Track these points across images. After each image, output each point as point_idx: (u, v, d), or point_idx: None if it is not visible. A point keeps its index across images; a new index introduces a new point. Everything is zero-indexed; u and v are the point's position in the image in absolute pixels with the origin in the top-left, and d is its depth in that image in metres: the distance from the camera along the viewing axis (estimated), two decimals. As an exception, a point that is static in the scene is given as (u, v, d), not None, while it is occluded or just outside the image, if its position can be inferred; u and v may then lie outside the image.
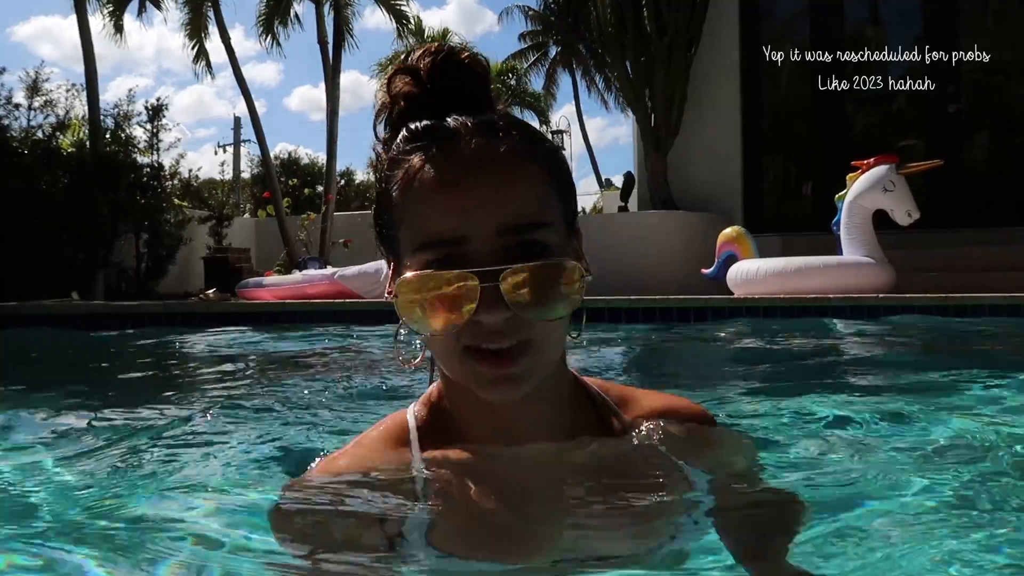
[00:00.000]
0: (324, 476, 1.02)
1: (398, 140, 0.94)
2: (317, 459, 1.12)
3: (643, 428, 1.05)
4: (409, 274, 0.89)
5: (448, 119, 0.92)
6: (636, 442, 1.03)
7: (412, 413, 1.05)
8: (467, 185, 0.87)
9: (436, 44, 0.98)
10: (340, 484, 0.99)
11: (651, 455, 1.02)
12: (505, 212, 0.87)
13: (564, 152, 0.98)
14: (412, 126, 0.93)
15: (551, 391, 0.97)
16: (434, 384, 1.06)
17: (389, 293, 0.92)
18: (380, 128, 1.00)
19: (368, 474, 1.00)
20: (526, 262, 0.86)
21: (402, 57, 0.99)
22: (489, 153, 0.89)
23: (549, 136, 0.97)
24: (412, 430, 1.02)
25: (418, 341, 0.98)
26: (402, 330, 0.95)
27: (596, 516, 0.92)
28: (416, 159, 0.90)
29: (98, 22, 16.41)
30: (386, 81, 0.98)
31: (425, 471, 0.98)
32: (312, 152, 42.38)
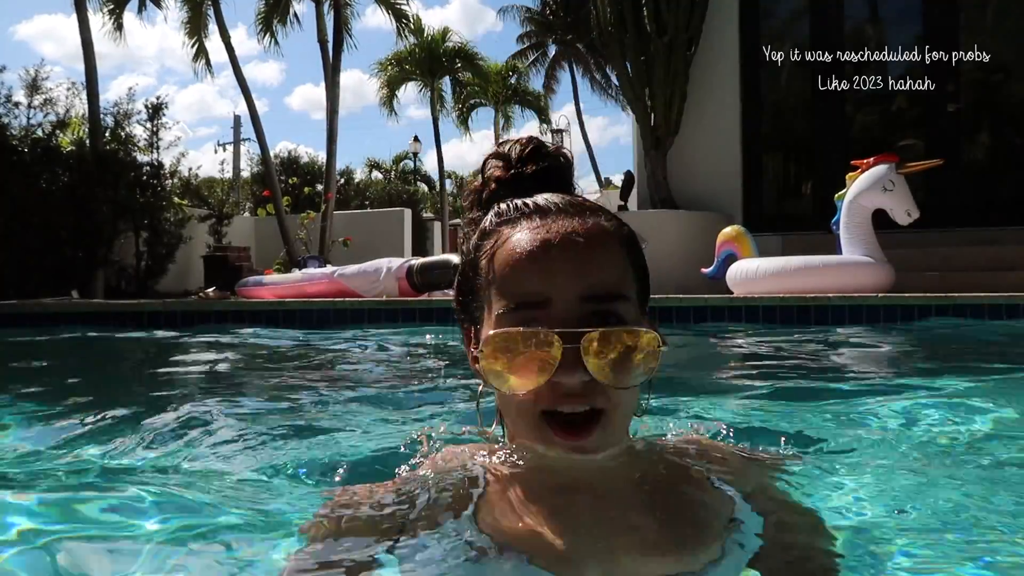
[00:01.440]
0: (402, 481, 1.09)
1: (489, 216, 1.02)
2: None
3: (692, 453, 1.10)
4: (494, 331, 0.93)
5: (538, 198, 1.00)
6: (684, 464, 1.07)
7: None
8: (554, 253, 0.93)
9: (527, 137, 1.10)
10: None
11: (697, 478, 1.04)
12: (588, 280, 0.93)
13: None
14: (503, 204, 1.02)
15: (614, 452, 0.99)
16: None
17: (471, 357, 0.98)
18: (466, 204, 1.11)
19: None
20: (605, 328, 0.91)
21: (496, 145, 1.10)
22: (576, 227, 0.95)
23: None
24: (479, 451, 1.07)
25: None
26: (480, 399, 1.00)
27: (640, 538, 0.93)
28: (507, 230, 0.98)
29: (99, 21, 16.43)
30: (480, 166, 1.10)
31: (480, 470, 1.02)
32: (312, 151, 42.37)
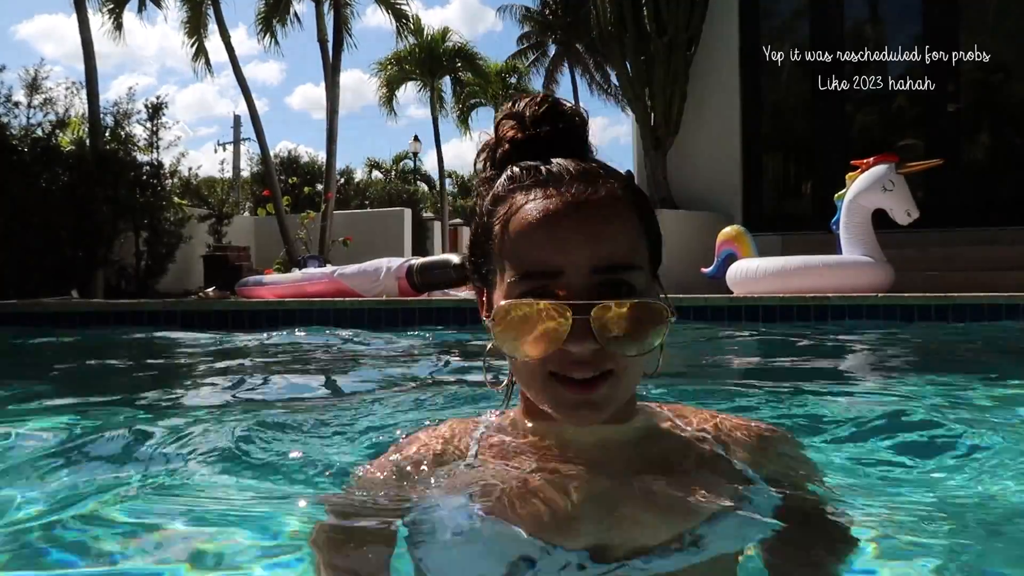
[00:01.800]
0: (396, 455, 1.12)
1: (502, 179, 1.01)
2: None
3: (701, 428, 1.10)
4: (506, 301, 0.94)
5: (551, 163, 0.99)
6: (690, 438, 1.08)
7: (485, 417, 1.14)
8: (567, 223, 0.94)
9: (541, 94, 1.08)
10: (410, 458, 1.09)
11: (703, 452, 1.06)
12: (600, 251, 0.93)
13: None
14: (516, 167, 1.00)
15: (619, 413, 1.01)
16: (513, 408, 1.12)
17: (485, 318, 0.99)
18: (480, 164, 1.09)
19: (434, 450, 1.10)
20: (616, 299, 0.92)
21: (509, 104, 1.08)
22: (589, 196, 0.95)
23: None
24: (482, 423, 1.12)
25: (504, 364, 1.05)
26: (488, 356, 1.03)
27: (637, 506, 0.96)
28: (520, 197, 0.97)
29: (99, 21, 16.43)
30: (495, 124, 1.08)
31: (480, 441, 1.08)
32: (312, 151, 42.30)
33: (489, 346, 1.00)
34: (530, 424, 1.05)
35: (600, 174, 0.99)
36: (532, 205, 0.96)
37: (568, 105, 1.07)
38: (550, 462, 1.00)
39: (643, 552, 0.91)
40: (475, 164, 1.10)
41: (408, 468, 1.07)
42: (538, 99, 1.06)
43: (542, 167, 0.99)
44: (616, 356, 0.93)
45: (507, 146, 1.05)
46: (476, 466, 1.03)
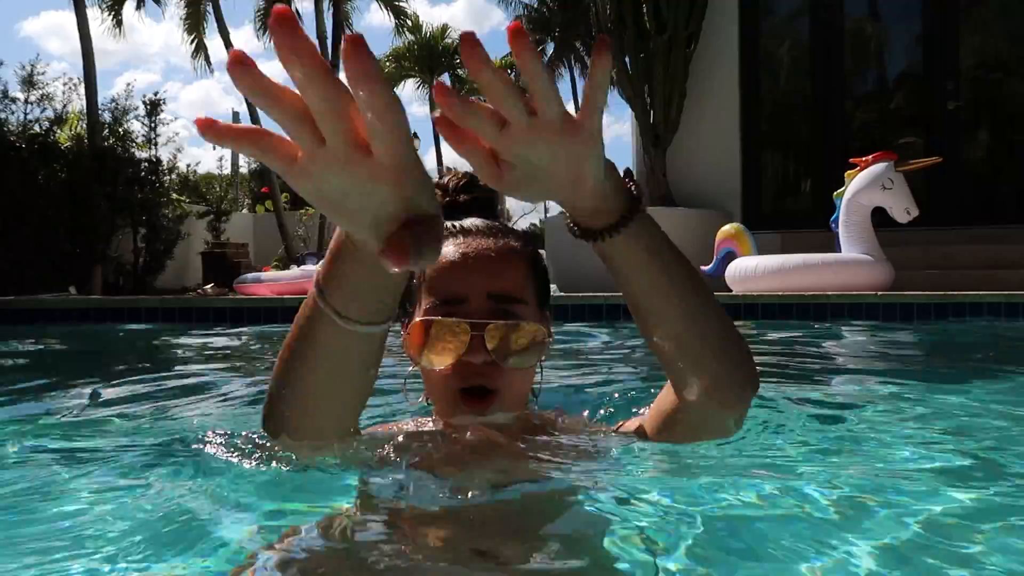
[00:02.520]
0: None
1: None
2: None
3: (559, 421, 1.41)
4: (420, 318, 1.18)
5: (465, 221, 1.27)
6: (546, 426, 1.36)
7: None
8: (471, 263, 1.21)
9: (463, 172, 1.39)
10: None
11: (548, 436, 1.33)
12: (496, 284, 1.20)
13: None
14: None
15: (509, 423, 1.25)
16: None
17: (403, 334, 1.22)
18: None
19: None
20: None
21: (436, 178, 1.38)
22: (490, 245, 1.23)
23: None
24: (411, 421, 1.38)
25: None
26: (411, 369, 1.27)
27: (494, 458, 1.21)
28: None
29: (101, 18, 16.42)
30: None
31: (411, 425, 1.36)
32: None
33: (409, 369, 1.25)
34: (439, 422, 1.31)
35: (501, 230, 1.28)
36: (446, 250, 1.21)
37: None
38: (445, 439, 1.26)
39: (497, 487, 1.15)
40: None
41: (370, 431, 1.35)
42: (459, 175, 1.38)
43: (456, 224, 1.27)
44: (503, 373, 1.17)
45: None
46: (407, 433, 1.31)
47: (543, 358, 1.24)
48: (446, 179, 1.38)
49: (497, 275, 1.21)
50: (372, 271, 0.80)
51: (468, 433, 1.21)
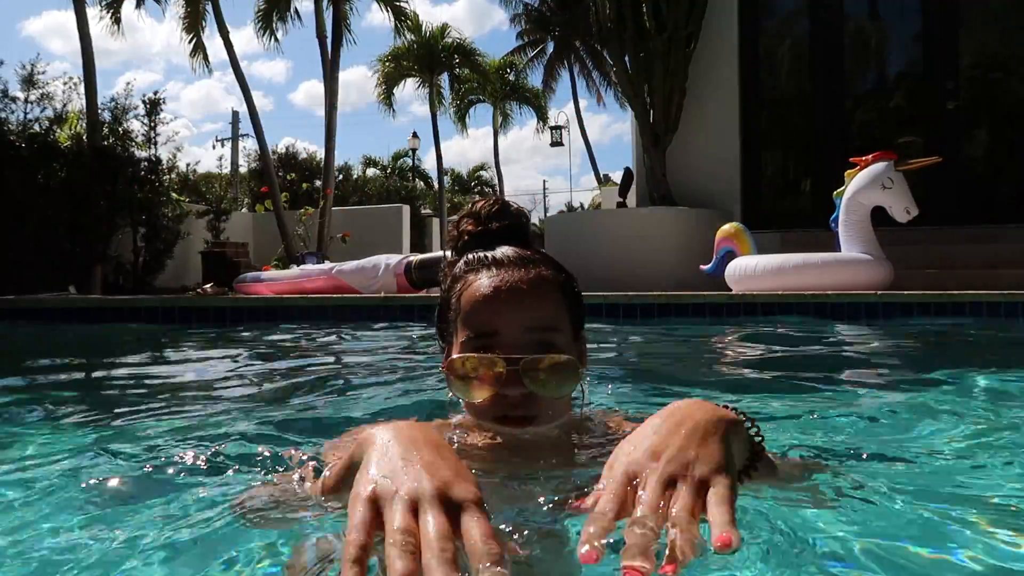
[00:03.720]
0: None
1: (460, 264, 1.33)
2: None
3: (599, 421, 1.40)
4: (457, 355, 1.22)
5: (496, 251, 1.31)
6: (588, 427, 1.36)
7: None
8: (504, 296, 1.23)
9: (495, 198, 1.43)
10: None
11: (588, 437, 1.34)
12: (528, 316, 1.23)
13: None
14: (470, 256, 1.33)
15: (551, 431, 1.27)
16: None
17: (442, 368, 1.26)
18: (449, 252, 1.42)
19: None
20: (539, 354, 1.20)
21: (469, 205, 1.42)
22: (522, 276, 1.25)
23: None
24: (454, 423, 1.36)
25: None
26: (450, 401, 1.29)
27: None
28: (471, 277, 1.28)
29: (100, 16, 16.40)
30: (457, 220, 1.43)
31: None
32: (310, 146, 42.21)
33: (449, 395, 1.27)
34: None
35: (533, 260, 1.29)
36: (479, 283, 1.25)
37: (515, 206, 1.42)
38: (490, 446, 1.27)
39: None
40: (443, 250, 1.42)
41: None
42: (491, 201, 1.41)
43: (488, 255, 1.30)
44: (540, 401, 1.20)
45: (466, 237, 1.38)
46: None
47: (580, 383, 1.26)
48: (478, 206, 1.41)
49: (530, 307, 1.23)
50: None
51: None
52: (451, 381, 1.22)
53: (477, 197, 1.45)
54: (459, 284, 1.29)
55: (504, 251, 1.31)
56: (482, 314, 1.23)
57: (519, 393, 1.19)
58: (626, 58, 10.03)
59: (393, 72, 26.29)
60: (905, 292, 6.22)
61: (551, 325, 1.24)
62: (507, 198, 1.52)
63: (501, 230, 1.37)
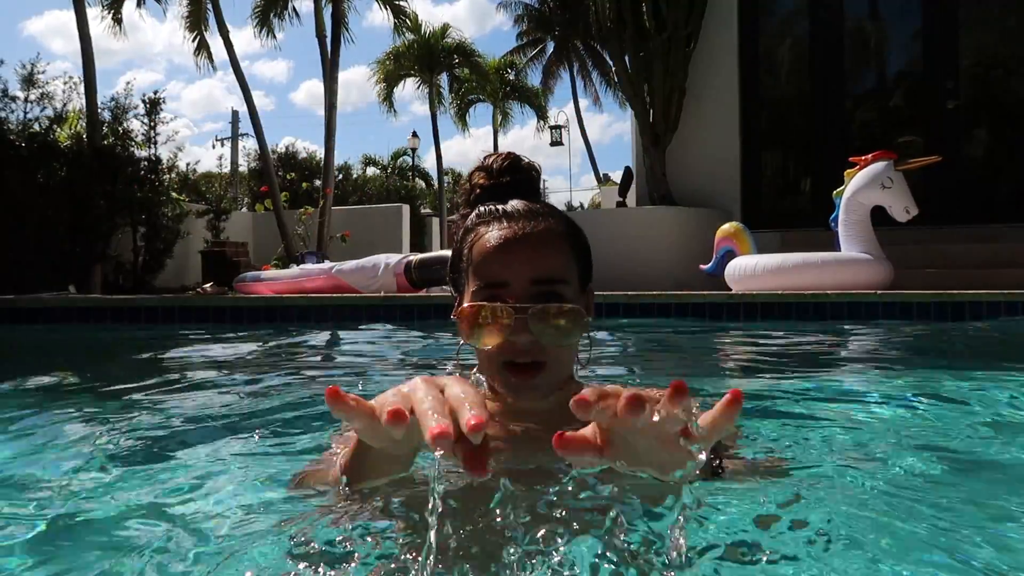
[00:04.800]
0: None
1: (472, 216, 1.37)
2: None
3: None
4: (467, 304, 1.27)
5: (508, 204, 1.34)
6: None
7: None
8: (514, 248, 1.28)
9: (506, 152, 1.46)
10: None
11: None
12: (537, 268, 1.27)
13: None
14: (482, 208, 1.36)
15: (558, 396, 1.30)
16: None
17: (454, 316, 1.30)
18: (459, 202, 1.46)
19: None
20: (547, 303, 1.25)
21: (481, 159, 1.47)
22: (532, 228, 1.30)
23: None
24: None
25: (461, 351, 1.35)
26: (463, 348, 1.33)
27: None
28: (483, 229, 1.33)
29: (104, 17, 16.40)
30: (469, 174, 1.47)
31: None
32: (309, 146, 42.15)
33: (460, 342, 1.31)
34: (491, 397, 1.37)
35: (543, 212, 1.33)
36: (490, 235, 1.30)
37: (526, 160, 1.45)
38: (499, 415, 1.33)
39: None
40: (456, 204, 1.46)
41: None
42: (503, 156, 1.44)
43: (499, 207, 1.34)
44: (547, 348, 1.25)
45: (478, 191, 1.42)
46: None
47: (585, 334, 1.31)
48: (489, 160, 1.44)
49: (539, 259, 1.28)
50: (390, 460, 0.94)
51: (512, 424, 1.30)
52: (462, 328, 1.27)
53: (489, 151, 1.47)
54: (471, 236, 1.34)
55: (514, 204, 1.34)
56: (492, 265, 1.28)
57: (527, 340, 1.24)
58: (626, 58, 10.03)
59: (393, 71, 26.30)
60: (905, 292, 6.22)
61: (559, 277, 1.28)
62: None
63: (512, 184, 1.41)
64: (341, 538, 1.00)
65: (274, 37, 18.63)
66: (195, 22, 18.12)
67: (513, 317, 1.23)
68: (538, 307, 1.23)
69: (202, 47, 18.50)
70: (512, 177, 1.42)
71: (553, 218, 1.34)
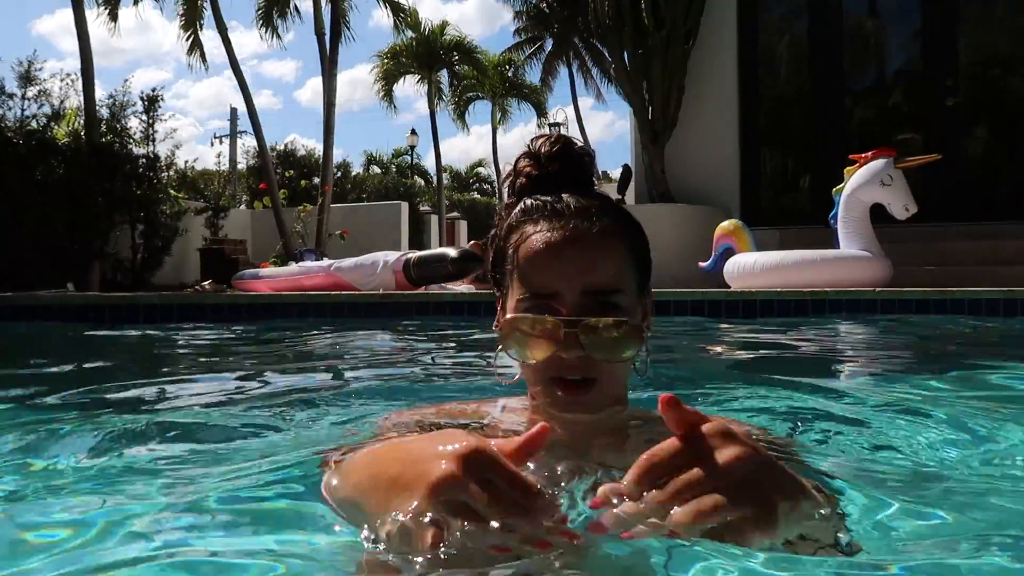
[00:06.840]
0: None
1: (516, 211, 1.23)
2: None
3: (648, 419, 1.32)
4: (512, 315, 1.17)
5: (558, 200, 1.20)
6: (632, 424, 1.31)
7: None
8: (565, 254, 1.15)
9: (556, 135, 1.29)
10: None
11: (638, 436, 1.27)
12: (590, 277, 1.14)
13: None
14: (528, 201, 1.22)
15: (610, 417, 1.22)
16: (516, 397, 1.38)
17: (496, 325, 1.21)
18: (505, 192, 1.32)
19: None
20: (600, 316, 1.13)
21: (529, 143, 1.29)
22: (585, 230, 1.16)
23: (547, 131, 1.19)
24: (500, 403, 1.36)
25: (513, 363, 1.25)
26: (500, 353, 1.21)
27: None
28: (529, 227, 1.19)
29: (100, 14, 16.37)
30: (514, 161, 1.30)
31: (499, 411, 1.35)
32: (308, 143, 42.16)
33: (498, 349, 1.20)
34: (532, 411, 1.28)
35: (597, 211, 1.19)
36: (537, 236, 1.17)
37: (578, 146, 1.28)
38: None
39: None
40: (499, 192, 1.29)
41: (431, 419, 1.34)
42: (552, 139, 1.27)
43: (548, 203, 1.19)
44: (599, 364, 1.14)
45: (524, 179, 1.26)
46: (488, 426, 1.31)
47: (641, 348, 1.18)
48: (537, 144, 1.28)
49: (592, 267, 1.15)
50: None
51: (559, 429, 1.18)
52: (506, 340, 1.16)
53: (545, 131, 1.32)
54: (515, 235, 1.21)
55: (566, 199, 1.20)
56: (541, 273, 1.15)
57: (577, 355, 1.12)
58: (625, 55, 10.03)
59: (392, 69, 26.28)
60: (904, 289, 6.22)
61: (614, 286, 1.16)
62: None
63: (563, 173, 1.25)
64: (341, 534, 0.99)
65: (279, 37, 18.64)
66: (190, 20, 18.10)
67: (563, 330, 1.12)
68: (590, 321, 1.12)
69: (195, 46, 18.47)
70: (563, 165, 1.25)
71: (608, 216, 1.20)
